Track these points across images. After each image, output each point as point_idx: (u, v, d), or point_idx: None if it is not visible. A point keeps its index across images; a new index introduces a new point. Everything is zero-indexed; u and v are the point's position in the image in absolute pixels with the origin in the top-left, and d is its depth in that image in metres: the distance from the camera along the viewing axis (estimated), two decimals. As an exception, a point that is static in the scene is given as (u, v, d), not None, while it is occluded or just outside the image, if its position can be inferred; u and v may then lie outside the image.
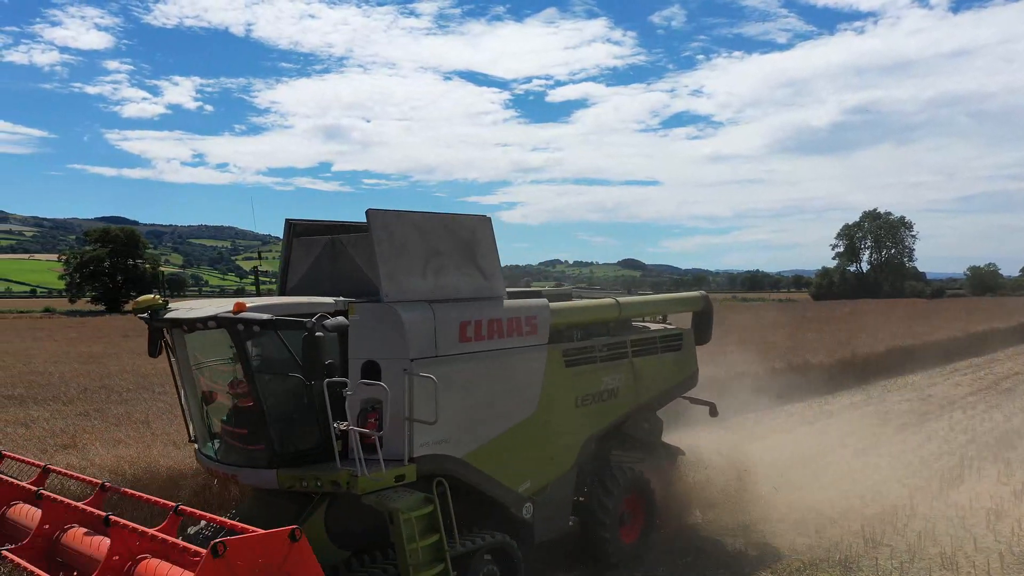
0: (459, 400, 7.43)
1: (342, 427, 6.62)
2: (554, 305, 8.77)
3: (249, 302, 6.88)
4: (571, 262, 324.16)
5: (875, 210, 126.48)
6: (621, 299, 10.16)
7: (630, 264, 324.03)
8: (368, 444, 6.72)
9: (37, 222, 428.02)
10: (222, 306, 6.85)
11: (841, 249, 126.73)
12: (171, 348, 7.82)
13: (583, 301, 10.03)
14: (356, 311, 7.21)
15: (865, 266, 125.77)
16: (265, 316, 6.62)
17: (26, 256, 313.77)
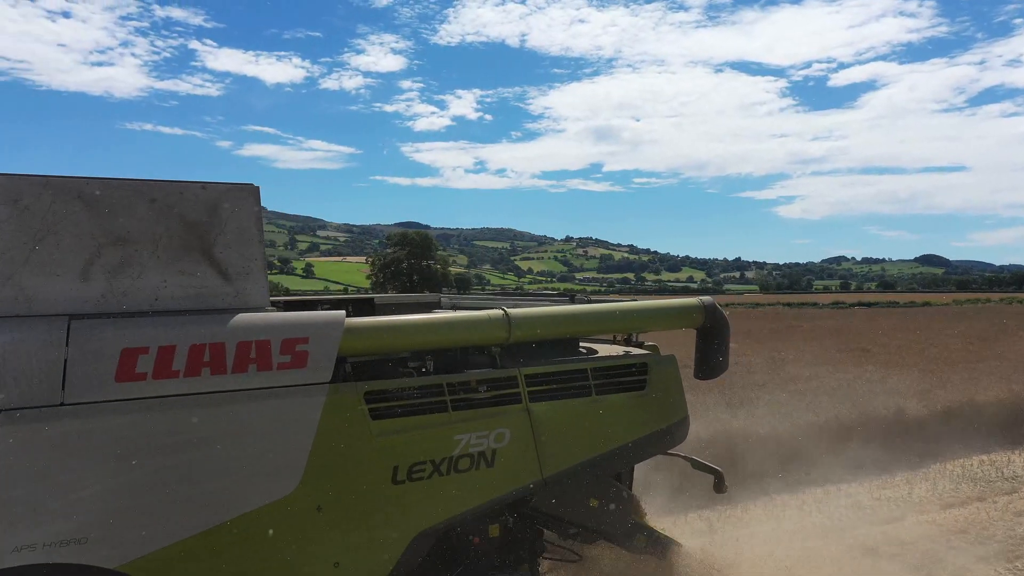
0: (111, 475, 4.79)
1: None
2: (352, 322, 5.70)
3: None
4: (859, 259, 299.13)
5: None
6: (514, 311, 6.40)
7: (930, 260, 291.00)
8: None
9: (348, 228, 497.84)
10: None
11: None
12: None
13: (436, 315, 6.59)
14: None
15: None
16: None
17: (340, 259, 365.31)
